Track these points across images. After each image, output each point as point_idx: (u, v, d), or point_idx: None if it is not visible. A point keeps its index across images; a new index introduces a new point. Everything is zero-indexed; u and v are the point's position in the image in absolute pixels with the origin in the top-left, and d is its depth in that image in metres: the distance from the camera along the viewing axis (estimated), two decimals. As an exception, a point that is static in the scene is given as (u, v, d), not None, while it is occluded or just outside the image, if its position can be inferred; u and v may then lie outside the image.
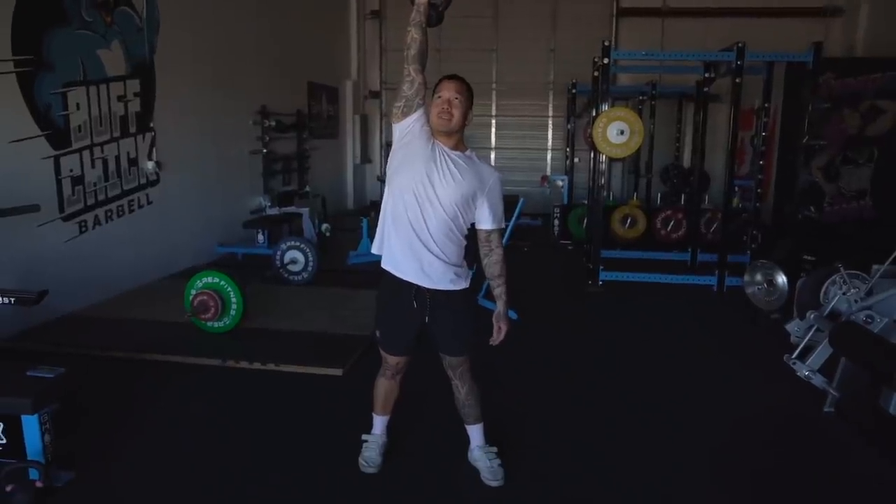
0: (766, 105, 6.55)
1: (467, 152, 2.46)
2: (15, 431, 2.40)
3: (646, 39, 10.17)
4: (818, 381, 3.36)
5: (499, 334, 2.50)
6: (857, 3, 9.21)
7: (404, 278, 2.46)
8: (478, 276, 4.29)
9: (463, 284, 2.53)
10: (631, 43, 10.34)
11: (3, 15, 4.22)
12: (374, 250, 2.55)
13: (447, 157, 2.38)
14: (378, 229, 2.52)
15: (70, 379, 2.60)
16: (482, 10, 10.74)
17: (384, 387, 2.74)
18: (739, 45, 5.72)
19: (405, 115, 2.39)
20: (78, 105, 4.85)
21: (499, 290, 2.54)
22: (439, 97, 2.39)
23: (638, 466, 2.89)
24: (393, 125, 2.45)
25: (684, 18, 10.24)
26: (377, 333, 2.66)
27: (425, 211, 2.37)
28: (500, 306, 2.53)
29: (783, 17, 9.85)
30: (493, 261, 2.52)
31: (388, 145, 8.06)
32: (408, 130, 2.40)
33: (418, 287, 2.45)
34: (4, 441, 2.42)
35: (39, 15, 4.49)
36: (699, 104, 7.23)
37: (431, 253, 2.41)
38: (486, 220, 2.49)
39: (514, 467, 2.73)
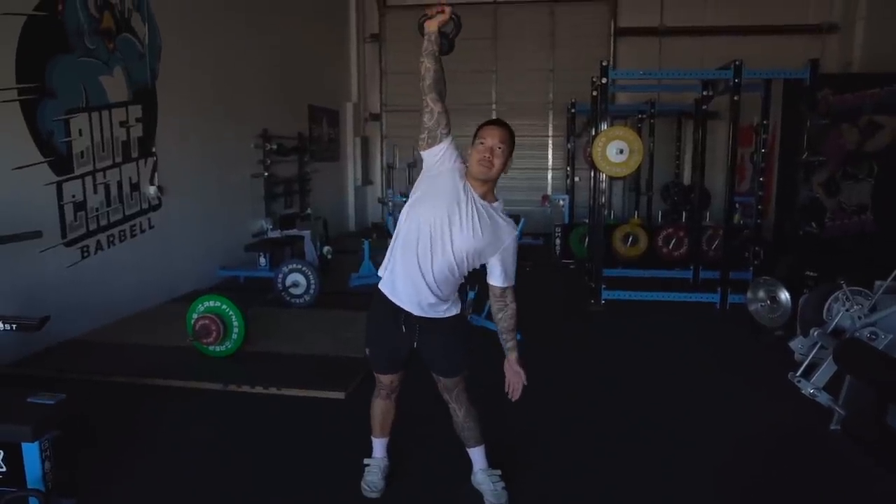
0: (764, 122, 6.58)
1: (494, 204, 2.42)
2: (15, 459, 2.38)
3: (644, 58, 10.25)
4: (823, 398, 3.33)
5: (516, 384, 2.48)
6: (852, 19, 9.28)
7: (397, 303, 2.46)
8: (479, 297, 4.27)
9: (454, 311, 2.53)
10: (629, 62, 10.43)
11: (8, 43, 4.27)
12: (380, 272, 2.54)
13: (474, 206, 2.35)
14: (388, 251, 2.51)
15: (71, 405, 2.58)
16: (481, 31, 10.84)
17: (380, 407, 2.74)
18: (737, 62, 5.77)
19: (430, 145, 2.38)
20: (80, 131, 4.89)
21: (511, 343, 2.51)
22: (482, 143, 2.34)
23: (641, 485, 2.86)
24: (420, 152, 2.44)
25: (682, 37, 10.32)
26: (367, 352, 2.65)
27: (435, 248, 2.36)
28: (513, 356, 2.50)
29: (780, 35, 9.93)
30: (507, 315, 2.50)
31: (390, 167, 8.13)
32: (437, 160, 2.38)
33: (408, 313, 2.46)
34: (4, 469, 2.40)
35: (43, 43, 4.54)
36: (698, 122, 7.27)
37: (428, 287, 2.40)
38: (499, 278, 2.46)
39: (517, 490, 2.71)
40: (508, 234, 2.43)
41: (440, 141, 2.36)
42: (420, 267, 2.38)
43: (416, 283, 2.40)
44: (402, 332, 2.48)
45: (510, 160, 2.41)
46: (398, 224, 2.47)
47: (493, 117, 11.10)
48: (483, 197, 2.39)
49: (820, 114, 6.95)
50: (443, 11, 2.42)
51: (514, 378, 2.49)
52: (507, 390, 2.50)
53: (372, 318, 2.60)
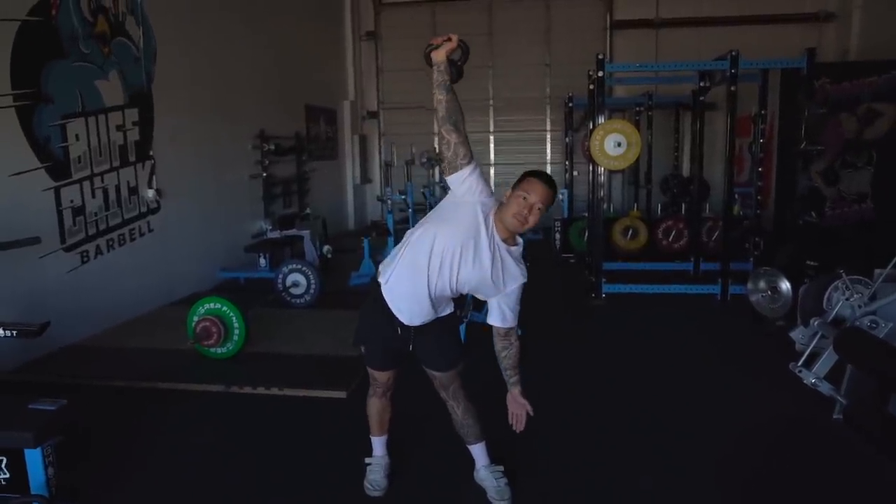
0: (762, 112, 6.56)
1: (513, 248, 2.39)
2: (18, 465, 2.38)
3: (640, 50, 10.24)
4: (825, 388, 3.33)
5: (521, 415, 2.49)
6: (849, 8, 9.26)
7: (393, 312, 2.46)
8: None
9: (447, 311, 2.56)
10: (626, 54, 10.41)
11: (2, 50, 4.27)
12: (381, 278, 2.50)
13: (490, 246, 2.32)
14: (393, 258, 2.48)
15: (72, 411, 2.59)
16: (477, 27, 10.84)
17: (377, 406, 2.74)
18: (733, 53, 5.75)
19: (451, 172, 2.34)
20: (77, 136, 4.89)
21: (515, 379, 2.51)
22: (524, 197, 2.29)
23: (643, 478, 2.86)
24: (445, 178, 2.40)
25: (678, 28, 10.31)
26: (362, 349, 2.65)
27: (443, 271, 2.35)
28: (516, 390, 2.50)
29: (776, 24, 9.91)
30: (512, 353, 2.50)
31: (388, 165, 8.11)
32: (462, 187, 2.32)
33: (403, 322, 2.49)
34: (7, 475, 2.40)
35: (38, 49, 4.54)
36: (696, 113, 7.25)
37: (430, 301, 2.42)
38: (497, 319, 2.45)
39: (520, 485, 2.71)
40: (515, 281, 2.40)
41: (460, 169, 2.32)
42: (428, 283, 2.37)
43: (419, 297, 2.40)
44: (398, 335, 2.50)
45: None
46: (409, 234, 2.45)
47: (491, 112, 11.15)
48: (504, 239, 2.36)
49: (817, 103, 6.93)
50: (450, 39, 2.35)
51: (519, 409, 2.49)
52: (510, 422, 2.51)
53: (367, 315, 2.60)
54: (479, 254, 2.31)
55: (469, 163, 2.32)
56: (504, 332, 2.47)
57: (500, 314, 2.44)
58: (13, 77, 4.32)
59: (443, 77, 2.33)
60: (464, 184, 2.32)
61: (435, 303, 2.44)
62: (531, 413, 2.48)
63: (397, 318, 2.47)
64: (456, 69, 2.41)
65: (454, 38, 2.35)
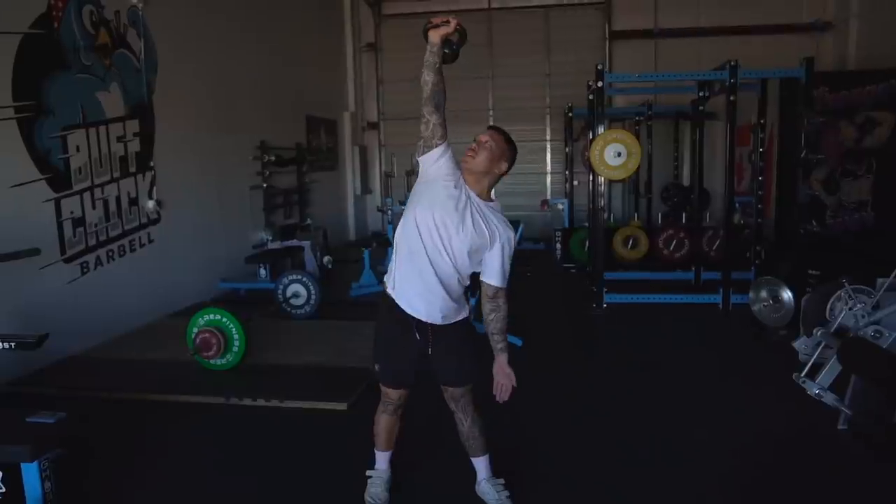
0: (761, 121, 6.57)
1: (491, 203, 2.44)
2: (15, 480, 2.37)
3: (640, 60, 10.25)
4: (829, 399, 3.30)
5: (506, 386, 2.47)
6: (846, 18, 9.29)
7: (410, 313, 2.45)
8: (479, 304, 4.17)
9: (463, 314, 2.55)
10: (625, 64, 10.42)
11: (4, 62, 4.28)
12: (388, 289, 2.49)
13: (470, 205, 2.37)
14: (392, 263, 2.49)
15: (72, 424, 2.57)
16: (476, 37, 10.85)
17: (386, 423, 2.71)
18: (732, 63, 5.76)
19: (425, 152, 2.39)
20: (78, 147, 4.89)
21: (502, 345, 2.51)
22: (474, 138, 2.43)
23: (646, 490, 2.84)
24: (417, 159, 2.44)
25: (676, 39, 10.32)
26: (376, 367, 2.63)
27: (437, 247, 2.36)
28: (503, 359, 2.49)
29: (775, 34, 9.92)
30: (500, 316, 2.49)
31: (388, 176, 8.12)
32: (434, 164, 2.38)
33: (420, 321, 2.45)
34: (4, 490, 2.38)
35: (40, 61, 4.55)
36: (695, 123, 7.25)
37: (443, 288, 2.41)
38: (494, 276, 2.45)
39: (521, 498, 2.68)
40: (503, 233, 2.43)
41: (434, 147, 2.38)
42: (431, 263, 2.38)
43: (429, 284, 2.40)
44: (416, 340, 2.48)
45: (502, 165, 2.42)
46: (398, 234, 2.46)
47: (491, 122, 11.18)
48: (479, 195, 2.42)
49: (817, 112, 6.95)
50: (448, 22, 2.36)
51: (505, 380, 2.48)
52: (494, 392, 2.49)
53: (382, 331, 2.58)
54: (462, 217, 2.34)
55: (443, 143, 2.38)
56: (492, 293, 2.47)
57: (500, 270, 2.45)
58: (14, 89, 4.33)
59: (434, 59, 2.35)
60: (435, 163, 2.38)
61: (446, 288, 2.42)
62: (515, 386, 2.47)
63: (415, 319, 2.45)
64: (451, 51, 2.43)
65: (453, 22, 2.37)
